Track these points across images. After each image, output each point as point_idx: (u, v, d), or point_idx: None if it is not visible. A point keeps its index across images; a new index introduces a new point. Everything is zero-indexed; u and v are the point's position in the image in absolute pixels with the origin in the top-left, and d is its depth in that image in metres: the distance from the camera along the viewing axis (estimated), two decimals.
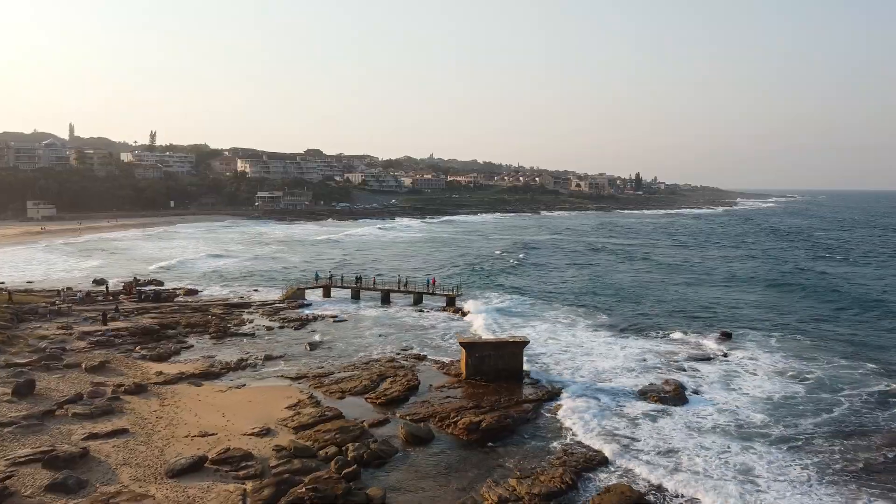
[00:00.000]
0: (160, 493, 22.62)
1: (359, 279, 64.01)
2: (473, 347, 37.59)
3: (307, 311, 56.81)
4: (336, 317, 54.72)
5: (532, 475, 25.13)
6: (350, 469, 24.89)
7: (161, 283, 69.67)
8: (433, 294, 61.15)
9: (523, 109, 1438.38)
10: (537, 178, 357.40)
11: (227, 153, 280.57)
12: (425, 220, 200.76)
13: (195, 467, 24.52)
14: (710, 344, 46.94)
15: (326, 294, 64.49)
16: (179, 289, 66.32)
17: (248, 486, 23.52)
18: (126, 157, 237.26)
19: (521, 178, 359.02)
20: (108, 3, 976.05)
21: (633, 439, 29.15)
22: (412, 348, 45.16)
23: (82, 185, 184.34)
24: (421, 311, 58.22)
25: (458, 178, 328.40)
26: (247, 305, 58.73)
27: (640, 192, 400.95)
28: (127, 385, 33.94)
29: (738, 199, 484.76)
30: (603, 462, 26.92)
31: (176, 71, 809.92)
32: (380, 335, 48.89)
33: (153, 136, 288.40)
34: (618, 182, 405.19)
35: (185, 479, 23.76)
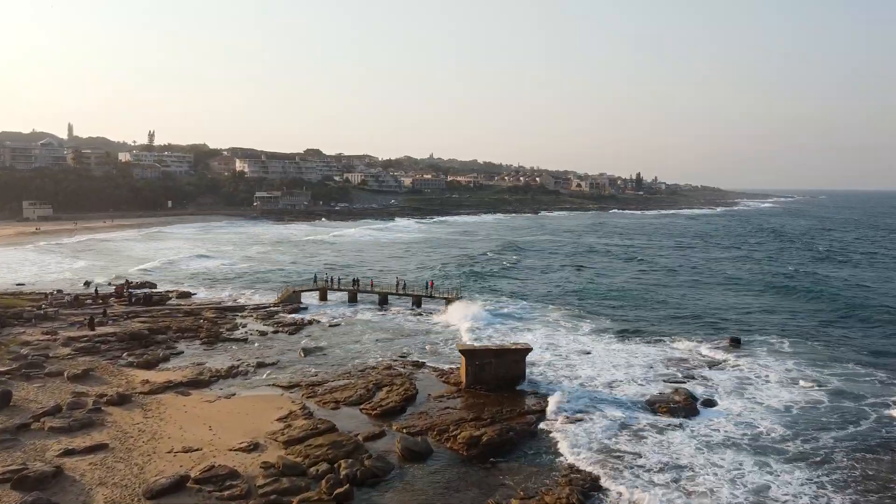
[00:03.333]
0: None
1: (356, 282, 62.40)
2: (474, 355, 36.00)
3: (302, 315, 55.21)
4: (332, 321, 53.12)
5: (537, 495, 23.57)
6: (342, 489, 23.28)
7: (154, 286, 68.05)
8: (432, 297, 59.54)
9: (523, 109, 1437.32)
10: (537, 178, 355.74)
11: (225, 153, 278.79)
12: (424, 220, 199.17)
13: (176, 487, 22.92)
14: (719, 350, 45.33)
15: (323, 297, 62.89)
16: (172, 291, 64.66)
17: None
18: (124, 156, 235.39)
19: (521, 179, 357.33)
20: (108, 2, 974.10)
21: (640, 455, 27.54)
22: (410, 354, 43.58)
23: (79, 185, 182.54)
24: (420, 314, 56.65)
25: (459, 179, 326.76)
26: (240, 309, 57.11)
27: (640, 193, 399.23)
28: (110, 395, 32.33)
29: (739, 200, 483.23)
30: (612, 479, 25.33)
31: (176, 71, 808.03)
32: (377, 340, 47.30)
33: (151, 135, 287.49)
34: (618, 182, 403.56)
35: (164, 501, 22.17)
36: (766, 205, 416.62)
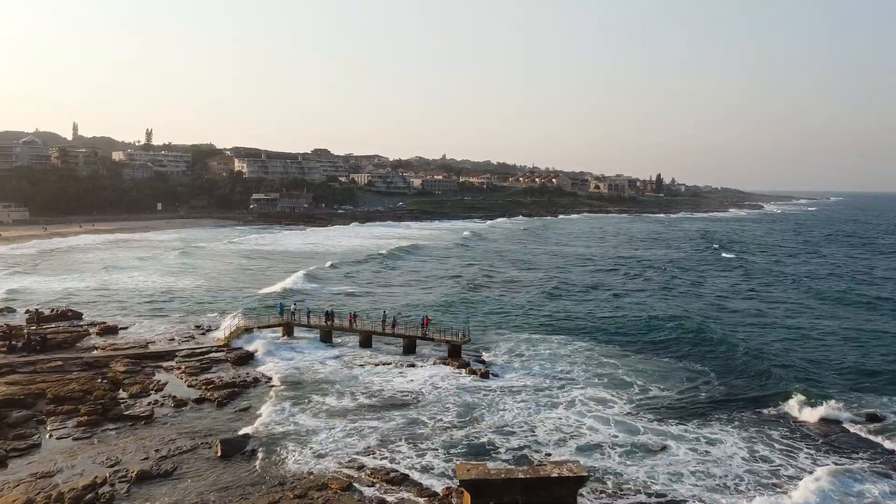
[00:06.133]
0: None
1: (330, 315, 46.91)
2: (485, 488, 20.43)
3: (249, 369, 39.98)
4: (287, 378, 37.74)
5: None
6: None
7: (77, 316, 53.15)
8: (430, 339, 44.00)
9: (537, 110, 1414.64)
10: (554, 180, 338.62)
11: (228, 152, 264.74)
12: (433, 223, 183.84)
13: None
14: (858, 433, 30.10)
15: (288, 333, 47.67)
16: (95, 325, 49.80)
17: None
18: (117, 156, 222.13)
19: (536, 180, 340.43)
20: (115, 1, 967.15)
21: None
22: (387, 450, 28.12)
23: (60, 186, 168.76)
24: (412, 364, 41.20)
25: (471, 180, 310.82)
26: (169, 356, 41.89)
27: (661, 194, 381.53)
28: None
29: (764, 202, 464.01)
30: None
31: (186, 71, 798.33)
32: (345, 416, 31.85)
33: (149, 134, 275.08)
34: (637, 184, 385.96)
35: None
36: (797, 208, 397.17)
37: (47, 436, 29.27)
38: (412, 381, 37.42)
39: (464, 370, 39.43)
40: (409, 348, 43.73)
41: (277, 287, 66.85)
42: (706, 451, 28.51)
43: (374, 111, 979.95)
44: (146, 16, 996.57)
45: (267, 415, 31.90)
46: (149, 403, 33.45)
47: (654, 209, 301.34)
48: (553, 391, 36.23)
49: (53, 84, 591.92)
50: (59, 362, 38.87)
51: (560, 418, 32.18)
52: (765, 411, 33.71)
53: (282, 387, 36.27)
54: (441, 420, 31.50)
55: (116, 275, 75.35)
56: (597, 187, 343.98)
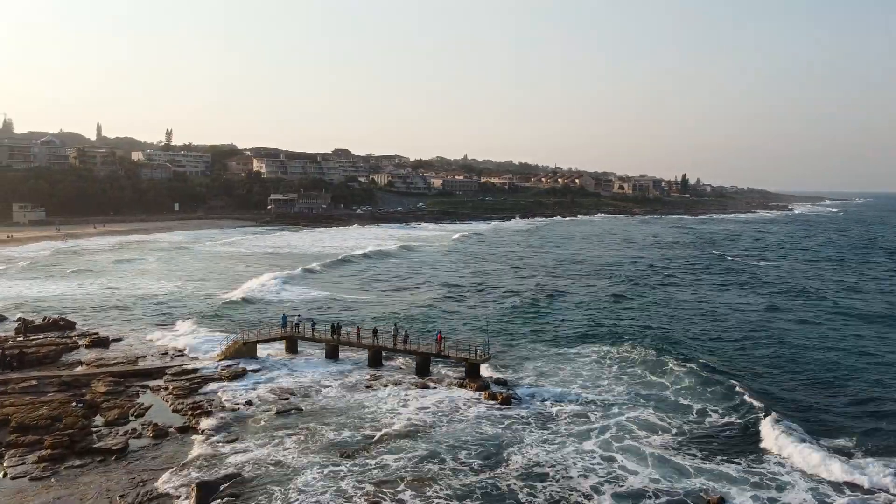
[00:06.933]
0: None
1: (336, 328, 42.79)
2: None
3: (243, 387, 36.00)
4: (282, 405, 33.58)
5: None
6: None
7: (71, 325, 49.79)
8: (445, 357, 39.70)
9: (561, 110, 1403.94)
10: (577, 180, 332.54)
11: (248, 153, 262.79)
12: (454, 225, 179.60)
13: None
14: None
15: (291, 349, 43.68)
16: (87, 335, 46.34)
17: None
18: (136, 156, 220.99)
19: (559, 180, 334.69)
20: (131, 3, 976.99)
21: None
22: (387, 498, 23.84)
23: (77, 187, 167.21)
24: (425, 385, 36.93)
25: (493, 180, 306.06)
26: (158, 374, 38.11)
27: (686, 195, 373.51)
28: None
29: (792, 203, 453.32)
30: None
31: (211, 71, 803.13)
32: (344, 450, 27.64)
33: (169, 134, 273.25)
34: (662, 184, 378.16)
35: None
36: (828, 209, 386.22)
37: (1, 474, 25.47)
38: (424, 408, 33.06)
39: (483, 394, 35.08)
40: (423, 367, 39.41)
41: (237, 294, 63.86)
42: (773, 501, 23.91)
43: (396, 111, 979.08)
44: (177, 17, 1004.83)
45: (256, 449, 27.81)
46: (125, 433, 29.54)
47: (680, 210, 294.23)
48: (587, 418, 31.78)
49: (76, 85, 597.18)
50: (34, 382, 35.14)
51: (594, 455, 27.73)
52: (835, 442, 28.91)
53: (276, 415, 32.15)
54: (455, 460, 27.12)
55: (91, 279, 72.94)
56: (621, 188, 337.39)
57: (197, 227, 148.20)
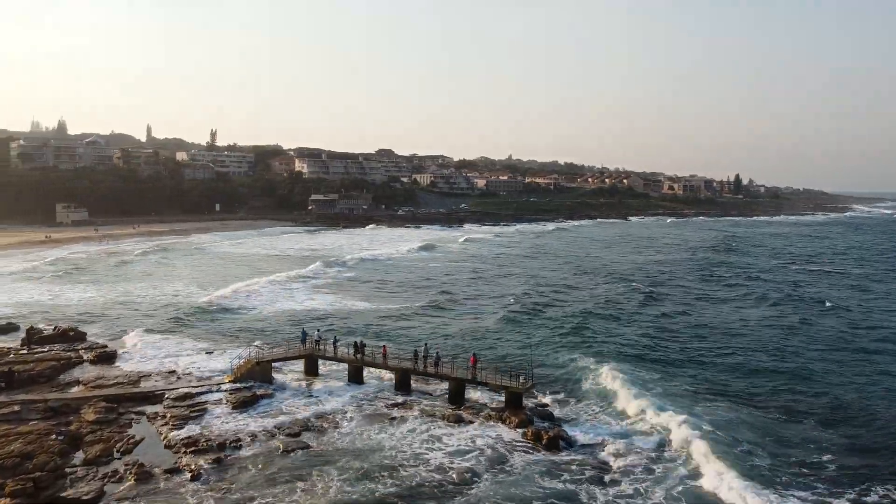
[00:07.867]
0: None
1: (359, 347, 37.98)
2: None
3: (247, 419, 31.42)
4: (289, 441, 28.84)
5: None
6: None
7: (81, 337, 46.26)
8: (481, 383, 34.48)
9: (608, 110, 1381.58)
10: (625, 181, 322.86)
11: (291, 153, 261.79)
12: (496, 227, 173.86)
13: None
14: None
15: (311, 370, 39.05)
16: (94, 349, 42.69)
17: None
18: (181, 156, 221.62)
19: (606, 180, 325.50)
20: (176, 6, 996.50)
21: None
22: None
23: (120, 187, 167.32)
24: (458, 419, 31.75)
25: (537, 180, 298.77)
26: (157, 398, 33.88)
27: (739, 196, 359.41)
28: None
29: (849, 205, 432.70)
30: None
31: (264, 73, 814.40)
32: None
33: (213, 134, 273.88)
34: (714, 184, 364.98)
35: None
36: (890, 212, 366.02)
37: None
38: (455, 452, 27.88)
39: (526, 432, 29.69)
40: (456, 395, 34.28)
41: (212, 296, 61.23)
42: None
43: (441, 112, 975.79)
44: (224, 22, 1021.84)
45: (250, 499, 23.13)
46: (104, 476, 25.23)
47: (734, 212, 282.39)
48: (658, 469, 26.21)
49: (129, 89, 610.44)
50: (17, 407, 31.21)
51: None
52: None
53: (282, 454, 27.45)
54: None
55: (119, 284, 70.46)
56: (670, 188, 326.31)
57: (237, 228, 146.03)
